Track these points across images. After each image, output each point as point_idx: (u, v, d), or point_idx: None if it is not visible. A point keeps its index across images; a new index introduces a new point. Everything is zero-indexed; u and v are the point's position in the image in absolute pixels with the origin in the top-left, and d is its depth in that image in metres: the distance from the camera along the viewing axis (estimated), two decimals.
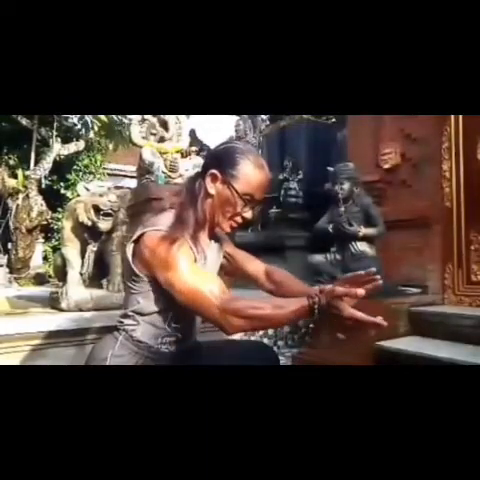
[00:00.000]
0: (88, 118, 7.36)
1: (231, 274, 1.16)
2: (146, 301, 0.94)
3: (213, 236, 1.06)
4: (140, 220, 0.98)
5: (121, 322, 0.98)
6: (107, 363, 0.93)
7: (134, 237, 0.93)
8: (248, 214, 0.97)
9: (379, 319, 0.81)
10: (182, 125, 2.76)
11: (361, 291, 0.80)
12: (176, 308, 0.93)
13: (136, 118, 2.69)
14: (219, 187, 0.95)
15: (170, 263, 0.85)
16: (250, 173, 0.94)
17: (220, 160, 0.97)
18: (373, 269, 0.84)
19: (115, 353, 0.93)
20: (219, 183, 0.95)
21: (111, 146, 7.96)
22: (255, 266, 1.13)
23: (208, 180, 0.95)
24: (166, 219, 0.92)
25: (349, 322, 0.81)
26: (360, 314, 0.81)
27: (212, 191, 0.95)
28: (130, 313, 0.96)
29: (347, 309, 0.81)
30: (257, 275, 1.12)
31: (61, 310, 1.63)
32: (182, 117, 2.79)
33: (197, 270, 0.89)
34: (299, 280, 1.08)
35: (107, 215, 1.67)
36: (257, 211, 1.01)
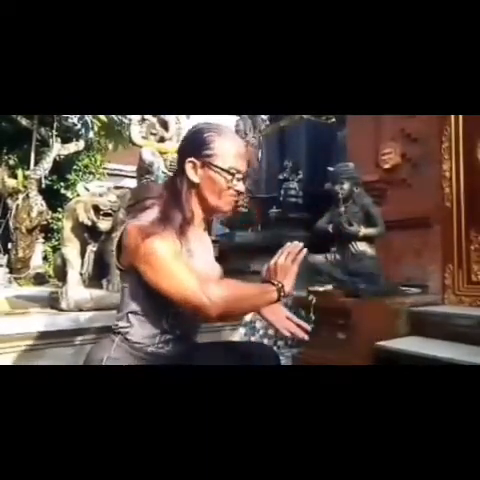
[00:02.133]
0: (88, 118, 7.36)
1: None
2: (139, 298, 0.92)
3: (205, 229, 1.03)
4: None
5: (116, 325, 0.96)
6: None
7: (118, 235, 0.93)
8: (240, 187, 0.96)
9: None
10: (182, 125, 2.77)
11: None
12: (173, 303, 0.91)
13: (136, 118, 2.70)
14: (201, 172, 0.93)
15: (147, 253, 0.83)
16: (225, 146, 0.93)
17: (191, 146, 0.95)
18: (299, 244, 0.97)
19: (111, 356, 0.91)
20: (199, 168, 0.93)
21: (111, 146, 7.96)
22: None
23: (188, 169, 0.93)
24: (148, 216, 0.90)
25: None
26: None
27: (196, 179, 0.93)
28: (125, 314, 0.94)
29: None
30: None
31: (61, 310, 1.63)
32: (182, 117, 2.80)
33: (180, 259, 0.86)
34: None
35: (107, 215, 1.67)
36: (245, 183, 1.00)
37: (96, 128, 7.48)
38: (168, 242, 0.85)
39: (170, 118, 2.71)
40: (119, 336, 0.93)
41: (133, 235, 0.86)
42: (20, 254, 4.54)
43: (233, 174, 0.93)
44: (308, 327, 0.98)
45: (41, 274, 4.47)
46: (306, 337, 0.98)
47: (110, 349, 0.92)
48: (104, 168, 8.19)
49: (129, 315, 0.93)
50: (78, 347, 1.49)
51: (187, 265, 0.87)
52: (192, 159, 0.93)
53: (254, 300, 0.93)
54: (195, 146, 0.94)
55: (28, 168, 5.86)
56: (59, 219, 6.04)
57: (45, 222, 5.09)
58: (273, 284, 0.93)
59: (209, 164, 0.92)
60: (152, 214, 0.90)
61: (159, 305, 0.92)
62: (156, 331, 0.93)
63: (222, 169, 0.92)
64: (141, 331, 0.92)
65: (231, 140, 0.95)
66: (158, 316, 0.92)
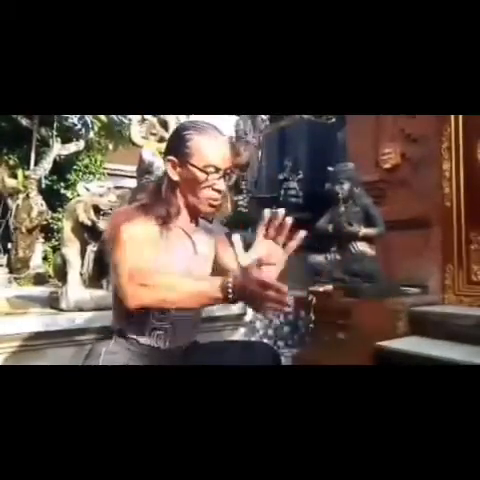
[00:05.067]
0: (88, 118, 7.36)
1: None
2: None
3: (198, 225, 1.02)
4: None
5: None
6: (100, 359, 0.93)
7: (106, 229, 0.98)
8: (219, 186, 0.93)
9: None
10: None
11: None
12: None
13: (136, 118, 2.69)
14: (180, 171, 0.93)
15: (114, 234, 0.87)
16: (202, 144, 0.91)
17: (172, 144, 0.96)
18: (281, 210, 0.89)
19: (109, 349, 0.94)
20: (178, 167, 0.93)
21: (111, 146, 7.95)
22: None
23: (169, 168, 0.94)
24: (131, 208, 0.96)
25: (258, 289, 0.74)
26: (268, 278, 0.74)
27: (176, 177, 0.94)
28: (117, 310, 0.97)
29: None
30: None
31: (61, 310, 1.62)
32: (182, 117, 2.79)
33: (141, 246, 0.85)
34: None
35: (107, 215, 1.67)
36: (230, 181, 0.98)
37: (96, 128, 7.48)
38: (139, 227, 0.88)
39: (170, 118, 2.70)
40: (116, 331, 0.98)
41: (111, 221, 0.92)
42: (20, 254, 4.53)
43: (209, 173, 0.91)
44: (284, 287, 0.74)
45: (41, 274, 4.46)
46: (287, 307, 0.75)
47: (109, 343, 0.96)
48: (104, 168, 8.18)
49: (122, 311, 0.93)
50: (79, 347, 1.48)
51: (141, 255, 0.84)
52: (171, 157, 0.93)
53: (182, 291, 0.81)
54: (175, 144, 0.94)
55: (28, 168, 5.85)
56: (59, 219, 6.04)
57: (45, 222, 5.09)
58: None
59: (186, 162, 0.92)
60: (134, 207, 0.95)
61: None
62: (146, 327, 0.95)
63: (197, 168, 0.91)
64: (133, 327, 0.95)
65: (210, 138, 0.92)
66: (145, 312, 0.90)
